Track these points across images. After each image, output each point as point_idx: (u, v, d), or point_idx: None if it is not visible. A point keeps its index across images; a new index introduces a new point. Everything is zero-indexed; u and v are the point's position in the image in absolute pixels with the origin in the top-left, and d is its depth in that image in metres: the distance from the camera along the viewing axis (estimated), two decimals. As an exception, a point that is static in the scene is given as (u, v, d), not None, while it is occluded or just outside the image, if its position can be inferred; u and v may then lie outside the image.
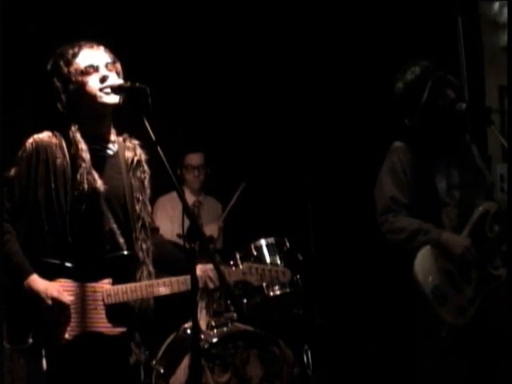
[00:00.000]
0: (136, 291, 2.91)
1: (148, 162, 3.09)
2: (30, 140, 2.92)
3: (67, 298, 2.82)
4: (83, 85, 2.91)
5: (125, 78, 2.98)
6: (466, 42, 5.06)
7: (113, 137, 3.05)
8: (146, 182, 3.08)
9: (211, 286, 3.03)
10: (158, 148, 2.63)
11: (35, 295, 2.79)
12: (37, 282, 2.80)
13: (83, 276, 2.86)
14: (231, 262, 3.25)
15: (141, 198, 3.04)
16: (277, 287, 4.30)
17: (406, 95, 3.72)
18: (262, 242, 4.39)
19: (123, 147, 3.06)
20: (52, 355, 2.80)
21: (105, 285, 2.89)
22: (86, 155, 2.91)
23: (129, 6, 5.07)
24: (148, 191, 3.09)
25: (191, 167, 5.24)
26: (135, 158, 3.06)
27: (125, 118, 3.02)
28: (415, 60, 3.78)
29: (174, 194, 4.74)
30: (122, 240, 2.96)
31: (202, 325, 4.26)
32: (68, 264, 2.85)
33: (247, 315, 4.33)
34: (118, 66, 3.01)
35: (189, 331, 4.30)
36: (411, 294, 3.64)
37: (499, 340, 3.58)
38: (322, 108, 5.47)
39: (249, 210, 5.26)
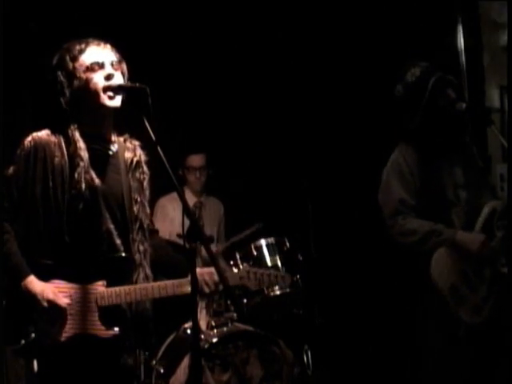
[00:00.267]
0: (130, 294, 2.89)
1: (148, 162, 3.08)
2: (29, 138, 2.91)
3: (63, 300, 2.81)
4: (87, 81, 2.90)
5: (129, 77, 2.98)
6: (466, 42, 5.07)
7: (113, 137, 3.04)
8: (146, 184, 3.06)
9: (207, 290, 2.99)
10: (158, 148, 2.63)
11: (31, 297, 2.78)
12: (34, 283, 2.79)
13: (78, 277, 2.85)
14: (231, 262, 3.23)
15: (139, 199, 3.03)
16: (277, 287, 4.30)
17: (406, 97, 3.71)
18: (262, 242, 4.39)
19: (123, 148, 3.05)
20: (44, 356, 2.80)
21: (99, 287, 2.87)
22: (85, 154, 2.90)
23: (129, 6, 5.07)
24: (147, 192, 3.07)
25: (193, 168, 5.24)
26: (135, 159, 3.05)
27: (125, 118, 3.02)
28: (414, 61, 3.78)
29: (174, 195, 4.71)
30: (118, 241, 2.95)
31: (202, 325, 4.26)
32: (63, 266, 2.83)
33: (247, 315, 4.33)
34: (124, 66, 3.00)
35: (189, 331, 4.30)
36: (421, 295, 3.65)
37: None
38: (322, 108, 5.47)
39: (249, 210, 5.26)
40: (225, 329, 4.30)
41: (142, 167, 3.06)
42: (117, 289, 2.88)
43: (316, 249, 4.95)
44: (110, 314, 2.87)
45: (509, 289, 3.55)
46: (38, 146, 2.89)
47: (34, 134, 2.92)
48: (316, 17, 5.39)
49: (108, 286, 2.88)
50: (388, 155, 3.83)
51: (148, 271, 2.99)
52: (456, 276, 3.60)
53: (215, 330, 4.27)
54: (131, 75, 3.00)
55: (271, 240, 4.41)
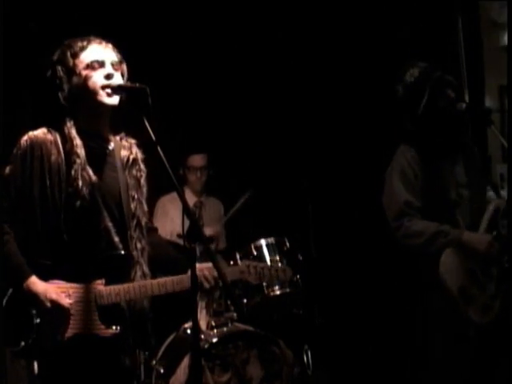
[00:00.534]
0: (129, 292, 2.88)
1: (147, 161, 3.08)
2: (25, 137, 2.91)
3: (66, 300, 2.81)
4: (87, 79, 2.90)
5: (129, 78, 2.98)
6: (466, 42, 5.06)
7: (109, 135, 3.04)
8: (143, 181, 3.06)
9: (207, 285, 2.97)
10: (158, 148, 2.63)
11: (34, 297, 2.78)
12: (36, 284, 2.79)
13: (77, 276, 2.85)
14: (231, 262, 3.22)
15: (136, 197, 3.02)
16: (277, 287, 4.30)
17: (406, 98, 3.71)
18: (262, 241, 4.39)
19: (119, 146, 3.05)
20: (45, 358, 2.79)
21: (98, 285, 2.86)
22: (81, 151, 2.89)
23: (129, 6, 5.07)
24: (144, 190, 3.06)
25: (194, 168, 5.24)
26: (131, 157, 3.05)
27: (122, 117, 3.02)
28: (413, 62, 3.78)
29: (174, 194, 4.68)
30: (117, 239, 2.94)
31: (202, 325, 4.26)
32: (61, 265, 2.83)
33: (247, 315, 4.33)
34: (124, 67, 3.00)
35: (189, 331, 4.30)
36: (427, 295, 3.64)
37: None
38: (322, 108, 5.47)
39: (249, 210, 5.26)
40: (225, 329, 4.29)
41: (139, 165, 3.06)
42: (116, 287, 2.88)
43: (316, 249, 4.95)
44: (109, 312, 2.87)
45: (509, 288, 3.56)
46: (35, 144, 2.88)
47: (30, 133, 2.92)
48: (316, 17, 5.39)
49: (107, 284, 2.88)
50: (388, 155, 3.83)
51: (145, 269, 2.98)
52: (464, 276, 3.59)
53: (215, 330, 4.26)
54: (131, 75, 3.00)
55: (271, 240, 4.40)
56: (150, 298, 3.00)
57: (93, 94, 2.90)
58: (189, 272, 2.65)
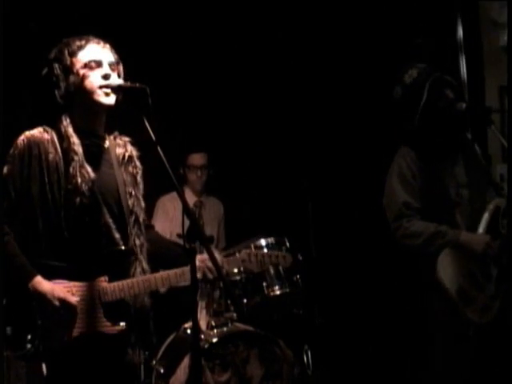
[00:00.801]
0: (133, 287, 2.88)
1: (145, 160, 3.09)
2: (22, 137, 2.91)
3: (73, 298, 2.81)
4: (84, 78, 2.90)
5: (125, 79, 2.98)
6: (466, 42, 5.06)
7: (104, 134, 3.04)
8: (139, 178, 3.07)
9: (210, 276, 2.98)
10: (158, 148, 2.63)
11: (41, 297, 2.77)
12: (42, 283, 2.78)
13: (79, 275, 2.85)
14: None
15: (133, 193, 3.03)
16: (277, 287, 4.30)
17: (405, 99, 3.72)
18: (262, 241, 4.38)
19: (114, 144, 3.06)
20: (53, 359, 2.78)
21: (101, 283, 2.86)
22: (79, 149, 2.90)
23: (129, 6, 5.07)
24: (141, 187, 3.07)
25: (194, 167, 5.24)
26: (126, 154, 3.06)
27: (121, 117, 3.02)
28: (412, 63, 3.78)
29: (174, 194, 4.69)
30: (117, 235, 2.95)
31: (202, 325, 4.26)
32: (63, 264, 2.83)
33: (247, 315, 4.33)
34: (121, 68, 3.00)
35: (189, 331, 4.30)
36: (427, 296, 3.64)
37: None
38: (322, 108, 5.47)
39: (249, 210, 5.26)
40: (225, 329, 4.29)
41: (134, 162, 3.07)
42: (119, 283, 2.88)
43: (316, 249, 4.95)
44: (114, 309, 2.87)
45: (509, 288, 3.56)
46: (32, 143, 2.88)
47: (27, 133, 2.92)
48: (316, 17, 5.39)
49: (110, 281, 2.88)
50: (388, 155, 3.83)
51: (145, 265, 2.98)
52: (463, 277, 3.59)
53: (215, 330, 4.26)
54: (131, 75, 3.00)
55: (271, 240, 4.40)
56: (150, 295, 3.00)
57: (90, 93, 2.90)
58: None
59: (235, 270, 3.08)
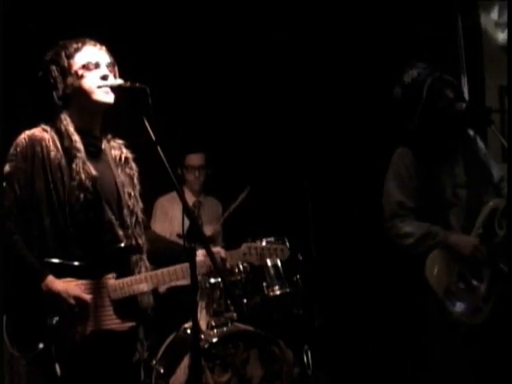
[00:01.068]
0: (142, 283, 2.90)
1: (142, 160, 3.10)
2: (22, 136, 2.91)
3: (87, 296, 2.82)
4: (82, 78, 2.92)
5: (125, 79, 2.98)
6: (466, 41, 5.06)
7: (100, 135, 3.05)
8: (136, 179, 3.09)
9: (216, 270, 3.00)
10: (158, 148, 2.63)
11: (55, 296, 2.77)
12: (55, 282, 2.79)
13: (87, 273, 2.85)
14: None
15: (133, 194, 3.05)
16: (277, 287, 4.30)
17: (404, 98, 3.72)
18: (263, 242, 4.38)
19: (109, 146, 3.08)
20: (64, 358, 2.77)
21: (109, 280, 2.87)
22: (80, 146, 2.91)
23: (129, 6, 5.07)
24: (138, 187, 3.09)
25: (192, 167, 5.24)
26: (123, 156, 3.08)
27: (117, 118, 3.03)
28: (412, 63, 3.78)
29: (173, 195, 4.74)
30: (121, 232, 2.95)
31: (202, 325, 4.26)
32: (70, 262, 2.83)
33: (247, 315, 4.33)
34: (116, 69, 3.02)
35: (189, 331, 4.30)
36: (420, 295, 3.65)
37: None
38: (322, 108, 5.47)
39: (249, 210, 5.25)
40: (225, 329, 4.29)
41: (130, 163, 3.10)
42: (128, 279, 2.89)
43: (316, 249, 4.95)
44: (123, 306, 2.88)
45: (510, 288, 3.55)
46: (34, 142, 2.89)
47: (27, 132, 2.93)
48: (316, 17, 5.39)
49: (117, 277, 2.88)
50: (388, 155, 3.84)
51: (147, 264, 2.99)
52: (452, 277, 3.60)
53: (215, 330, 4.26)
54: (131, 75, 3.00)
55: (271, 240, 4.40)
56: (151, 294, 3.01)
57: (89, 93, 2.92)
58: (197, 258, 2.66)
59: (238, 265, 3.08)
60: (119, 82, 2.92)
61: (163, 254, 3.12)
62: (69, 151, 2.89)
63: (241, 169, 5.47)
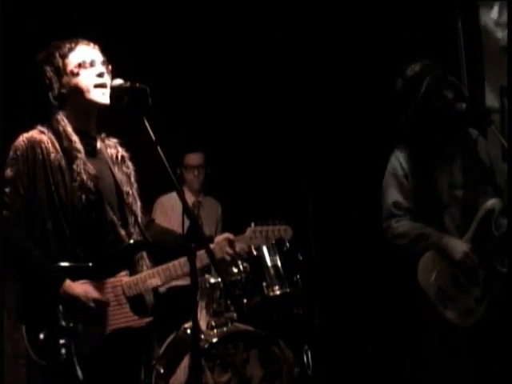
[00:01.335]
0: (154, 277, 2.90)
1: (141, 160, 3.09)
2: (21, 138, 2.90)
3: (105, 296, 2.82)
4: (78, 76, 2.92)
5: (125, 79, 2.98)
6: (466, 41, 5.06)
7: (96, 134, 3.05)
8: (132, 178, 3.09)
9: (227, 258, 3.03)
10: (158, 148, 2.63)
11: (74, 300, 2.77)
12: (73, 286, 2.78)
13: (100, 273, 2.85)
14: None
15: (131, 192, 3.05)
16: (277, 287, 4.30)
17: (403, 91, 3.74)
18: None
19: (104, 145, 3.08)
20: (85, 360, 2.77)
21: (123, 278, 2.88)
22: (80, 147, 2.91)
23: (129, 6, 5.07)
24: (135, 186, 3.09)
25: (191, 167, 5.24)
26: (119, 154, 3.08)
27: (111, 117, 3.03)
28: (418, 57, 3.80)
29: (173, 194, 4.74)
30: (123, 232, 2.96)
31: (202, 325, 4.26)
32: (82, 264, 2.83)
33: (247, 315, 4.33)
34: (110, 68, 3.01)
35: (189, 331, 4.29)
36: (417, 295, 3.65)
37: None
38: (322, 108, 5.47)
39: (249, 210, 5.25)
40: (225, 329, 4.29)
41: (127, 162, 3.10)
42: (141, 275, 2.90)
43: (316, 249, 4.95)
44: (139, 302, 2.89)
45: (509, 289, 3.55)
46: (33, 144, 2.88)
47: (25, 135, 2.91)
48: (316, 17, 5.39)
49: (130, 275, 2.89)
50: (388, 155, 3.84)
51: (148, 262, 3.00)
52: (444, 279, 3.60)
53: (215, 330, 4.26)
54: (131, 75, 3.00)
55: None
56: (152, 293, 3.01)
57: (85, 91, 2.91)
58: (203, 249, 2.67)
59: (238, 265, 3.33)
60: (119, 81, 2.92)
61: (170, 245, 3.11)
62: (68, 152, 2.88)
63: (240, 168, 5.47)
